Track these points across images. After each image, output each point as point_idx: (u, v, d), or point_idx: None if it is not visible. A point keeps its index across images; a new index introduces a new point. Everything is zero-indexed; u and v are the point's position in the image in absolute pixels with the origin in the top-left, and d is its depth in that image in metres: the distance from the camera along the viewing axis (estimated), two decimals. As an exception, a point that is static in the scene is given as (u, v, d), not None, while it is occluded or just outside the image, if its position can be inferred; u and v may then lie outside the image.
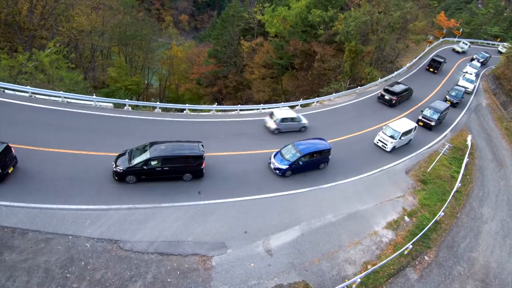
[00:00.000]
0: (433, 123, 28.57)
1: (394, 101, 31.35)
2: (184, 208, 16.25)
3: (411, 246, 17.49)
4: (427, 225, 18.95)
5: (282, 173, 19.65)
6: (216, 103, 26.39)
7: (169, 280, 13.05)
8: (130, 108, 23.42)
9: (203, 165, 17.69)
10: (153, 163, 16.56)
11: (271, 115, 24.11)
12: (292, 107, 28.42)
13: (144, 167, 16.47)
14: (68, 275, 12.37)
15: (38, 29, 34.69)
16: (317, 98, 30.80)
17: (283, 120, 23.75)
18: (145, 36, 41.44)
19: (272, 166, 19.91)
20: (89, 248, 13.44)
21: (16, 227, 13.50)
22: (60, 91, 22.10)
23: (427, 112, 29.13)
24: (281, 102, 28.33)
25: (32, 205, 14.47)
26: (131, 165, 16.38)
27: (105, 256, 13.32)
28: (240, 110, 26.38)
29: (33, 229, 13.58)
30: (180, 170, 17.29)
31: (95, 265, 12.90)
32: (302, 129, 24.82)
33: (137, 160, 16.54)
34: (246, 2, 58.37)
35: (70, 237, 13.66)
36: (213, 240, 15.05)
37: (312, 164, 20.65)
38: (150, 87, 43.52)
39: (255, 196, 17.98)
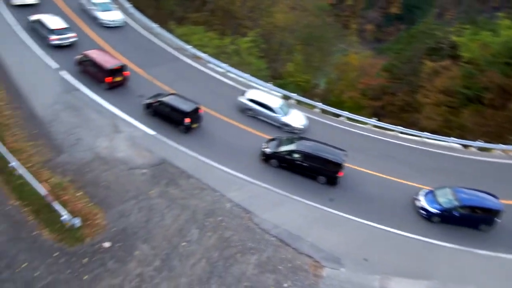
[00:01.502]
0: None
1: None
2: (312, 208, 16.34)
3: None
4: None
5: (427, 216, 16.99)
6: (375, 118, 24.84)
7: (279, 267, 13.52)
8: (294, 101, 24.83)
9: (341, 174, 17.25)
10: (295, 155, 17.38)
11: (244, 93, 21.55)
12: (465, 146, 24.02)
13: (287, 156, 17.47)
14: (206, 223, 14.45)
15: (245, 19, 40.60)
16: (503, 145, 24.92)
17: (252, 101, 20.93)
18: (328, 40, 42.73)
19: (418, 204, 17.50)
20: (228, 209, 15.28)
21: (184, 170, 16.58)
22: (246, 73, 25.43)
23: None
24: (451, 137, 24.35)
25: (201, 157, 17.45)
26: (277, 151, 17.66)
27: (237, 221, 14.87)
28: (400, 132, 24.12)
29: (195, 176, 16.38)
30: (317, 171, 17.40)
31: (228, 224, 14.60)
32: (285, 128, 20.60)
33: (284, 148, 17.70)
34: (444, 19, 52.05)
35: (218, 193, 15.85)
36: (330, 251, 14.60)
37: (471, 221, 16.80)
38: (317, 87, 44.98)
39: (388, 227, 16.20)
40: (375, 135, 23.10)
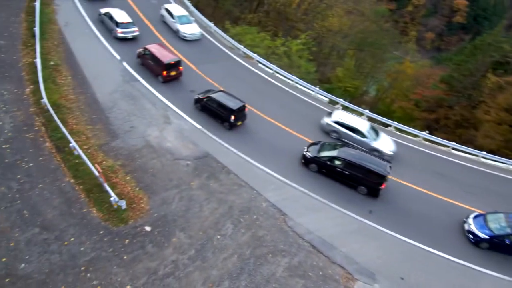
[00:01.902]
0: None
1: None
2: (349, 219, 15.79)
3: None
4: None
5: (475, 241, 15.59)
6: (427, 131, 23.33)
7: (310, 274, 13.25)
8: (341, 107, 24.18)
9: (383, 186, 16.46)
10: (336, 162, 16.88)
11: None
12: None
13: (328, 162, 17.02)
14: (241, 220, 14.61)
15: (298, 22, 40.29)
16: None
17: (338, 123, 19.78)
18: (382, 46, 40.99)
19: (466, 227, 16.13)
20: (263, 208, 15.32)
21: (225, 166, 16.91)
22: (294, 76, 25.26)
23: None
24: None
25: (242, 154, 17.68)
26: (317, 156, 17.32)
27: (271, 221, 14.85)
28: (454, 148, 22.42)
29: (235, 173, 16.64)
30: (358, 181, 16.75)
31: (262, 223, 14.64)
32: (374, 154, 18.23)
33: (325, 153, 17.29)
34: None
35: (255, 191, 15.96)
36: (364, 265, 13.99)
37: (523, 251, 15.33)
38: (366, 94, 43.30)
39: (430, 248, 15.12)
40: (425, 149, 21.73)
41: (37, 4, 24.38)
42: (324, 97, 24.51)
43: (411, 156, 20.56)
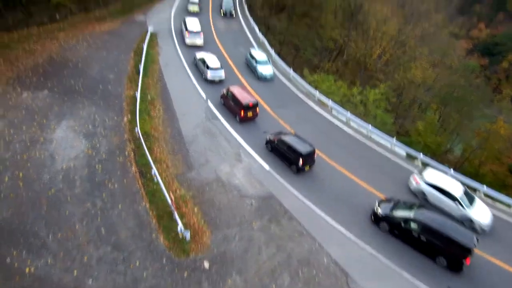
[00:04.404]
0: None
1: None
2: (424, 293, 13.49)
3: None
4: None
5: None
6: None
7: None
8: (420, 163, 21.91)
9: (467, 261, 13.82)
10: (412, 225, 14.82)
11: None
12: None
13: (402, 223, 15.06)
14: (300, 272, 13.51)
15: (378, 72, 39.21)
16: None
17: (430, 185, 16.93)
18: (471, 102, 37.07)
19: None
20: (324, 263, 14.02)
21: (288, 210, 16.22)
22: (369, 123, 24.05)
23: None
24: None
25: (307, 201, 16.86)
26: (390, 215, 15.50)
27: (332, 280, 13.43)
28: None
29: (297, 219, 15.81)
30: (437, 250, 14.37)
31: (321, 281, 13.32)
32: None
33: (399, 213, 15.40)
34: None
35: (317, 243, 14.81)
36: None
37: None
38: (450, 152, 38.84)
39: None
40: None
41: (145, 46, 28.28)
42: (402, 150, 22.60)
43: (503, 229, 17.22)
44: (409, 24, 42.86)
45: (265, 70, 28.15)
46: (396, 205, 16.10)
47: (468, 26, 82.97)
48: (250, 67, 29.39)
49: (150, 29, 32.36)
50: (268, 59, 29.83)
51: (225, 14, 40.52)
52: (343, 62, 47.53)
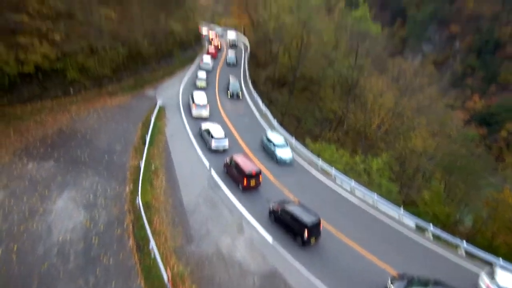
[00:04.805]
0: None
1: None
2: None
3: None
4: None
5: None
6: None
7: None
8: (431, 236, 20.85)
9: None
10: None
11: None
12: None
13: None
14: None
15: (377, 141, 40.02)
16: None
17: None
18: (475, 171, 36.94)
19: None
20: None
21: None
22: (374, 192, 23.60)
23: None
24: None
25: (313, 278, 15.64)
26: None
27: None
28: None
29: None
30: None
31: None
32: None
33: (416, 292, 14.00)
34: None
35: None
36: None
37: None
38: (460, 223, 37.30)
39: None
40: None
41: (153, 118, 29.54)
42: (411, 220, 21.73)
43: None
44: (405, 96, 45.10)
45: (285, 153, 26.62)
46: (411, 282, 14.83)
47: (462, 98, 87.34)
48: (266, 150, 27.86)
49: (159, 102, 34.23)
50: (286, 141, 28.54)
51: (232, 96, 41.08)
52: (344, 131, 48.96)
